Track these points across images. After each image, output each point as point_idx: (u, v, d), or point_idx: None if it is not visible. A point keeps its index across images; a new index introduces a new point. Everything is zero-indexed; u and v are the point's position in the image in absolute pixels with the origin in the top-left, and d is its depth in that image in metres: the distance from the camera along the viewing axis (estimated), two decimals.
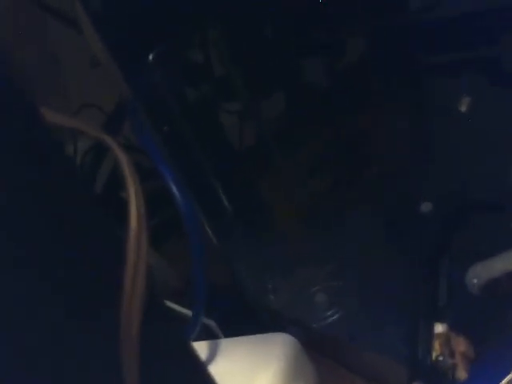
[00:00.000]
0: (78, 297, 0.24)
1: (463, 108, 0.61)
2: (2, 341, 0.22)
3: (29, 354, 0.22)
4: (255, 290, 0.66)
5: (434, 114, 0.65)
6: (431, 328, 0.46)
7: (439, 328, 0.46)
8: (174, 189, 0.54)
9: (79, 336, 0.24)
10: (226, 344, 0.58)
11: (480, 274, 0.45)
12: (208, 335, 0.62)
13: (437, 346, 0.44)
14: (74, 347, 0.24)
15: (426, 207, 0.58)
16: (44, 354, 0.23)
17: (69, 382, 0.24)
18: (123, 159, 0.29)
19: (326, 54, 0.73)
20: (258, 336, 0.58)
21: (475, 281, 0.45)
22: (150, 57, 0.57)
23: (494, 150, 0.58)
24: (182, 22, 0.60)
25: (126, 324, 0.25)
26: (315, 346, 0.59)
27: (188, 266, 0.53)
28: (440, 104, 0.65)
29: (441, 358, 0.44)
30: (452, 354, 0.44)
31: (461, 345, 0.44)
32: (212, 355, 0.56)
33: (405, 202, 0.62)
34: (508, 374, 0.44)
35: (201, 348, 0.58)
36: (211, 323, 0.62)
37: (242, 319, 0.67)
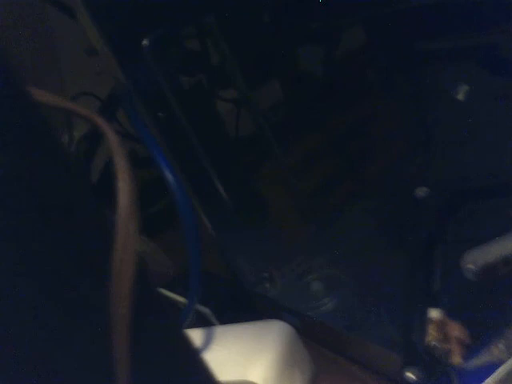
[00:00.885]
0: (76, 291, 0.23)
1: (460, 96, 0.60)
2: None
3: (27, 353, 0.22)
4: (251, 278, 0.66)
5: (431, 102, 0.65)
6: (425, 313, 0.45)
7: (433, 313, 0.45)
8: (169, 176, 0.54)
9: (77, 332, 0.23)
10: (221, 331, 0.58)
11: (476, 259, 0.44)
12: (203, 323, 0.61)
13: (431, 331, 0.44)
14: (70, 344, 0.23)
15: (421, 192, 0.57)
16: (41, 352, 0.23)
17: (65, 376, 0.24)
18: (111, 136, 0.29)
19: (321, 43, 0.72)
20: (253, 323, 0.58)
21: (471, 266, 0.44)
22: (145, 42, 0.56)
23: (491, 138, 0.58)
24: (178, 9, 0.59)
25: (115, 304, 0.25)
26: (311, 334, 0.59)
27: (183, 253, 0.53)
28: (437, 91, 0.64)
29: (435, 344, 0.43)
30: (446, 340, 0.43)
31: (455, 330, 0.43)
32: (206, 342, 0.56)
33: (400, 187, 0.62)
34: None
35: (195, 335, 0.57)
36: (206, 310, 0.62)
37: (238, 307, 0.66)
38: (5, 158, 0.21)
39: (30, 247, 0.22)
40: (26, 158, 0.22)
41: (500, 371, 0.41)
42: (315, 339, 0.59)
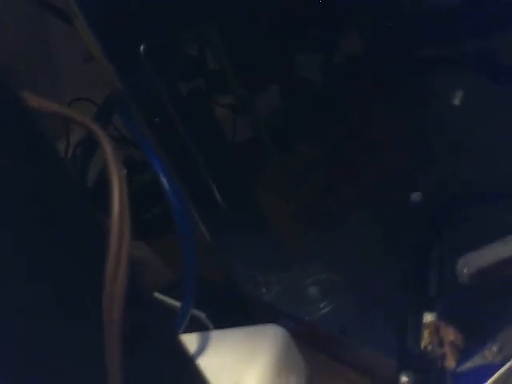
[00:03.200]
0: (69, 294, 0.24)
1: (456, 101, 0.61)
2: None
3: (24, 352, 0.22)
4: (247, 282, 0.66)
5: (427, 107, 0.65)
6: (420, 317, 0.46)
7: (428, 317, 0.46)
8: (165, 182, 0.54)
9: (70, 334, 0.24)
10: (216, 336, 0.58)
11: (470, 263, 0.45)
12: (198, 327, 0.61)
13: (426, 335, 0.44)
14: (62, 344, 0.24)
15: (416, 197, 0.58)
16: (34, 350, 0.23)
17: (56, 377, 0.24)
18: (107, 146, 0.29)
19: (320, 49, 0.73)
20: (249, 328, 0.58)
21: (465, 270, 0.45)
22: (141, 48, 0.57)
23: (486, 142, 0.58)
24: (176, 15, 0.59)
25: (108, 309, 0.25)
26: (306, 339, 0.59)
27: (179, 258, 0.53)
28: (433, 97, 0.65)
29: (430, 348, 0.44)
30: (441, 344, 0.43)
31: (450, 334, 0.43)
32: (201, 347, 0.56)
33: (395, 192, 0.62)
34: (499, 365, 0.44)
35: (190, 340, 0.57)
36: (201, 315, 0.62)
37: (233, 311, 0.66)
38: (3, 162, 0.22)
39: (28, 247, 0.22)
40: (23, 162, 0.23)
41: (495, 378, 0.41)
42: (310, 343, 0.59)
